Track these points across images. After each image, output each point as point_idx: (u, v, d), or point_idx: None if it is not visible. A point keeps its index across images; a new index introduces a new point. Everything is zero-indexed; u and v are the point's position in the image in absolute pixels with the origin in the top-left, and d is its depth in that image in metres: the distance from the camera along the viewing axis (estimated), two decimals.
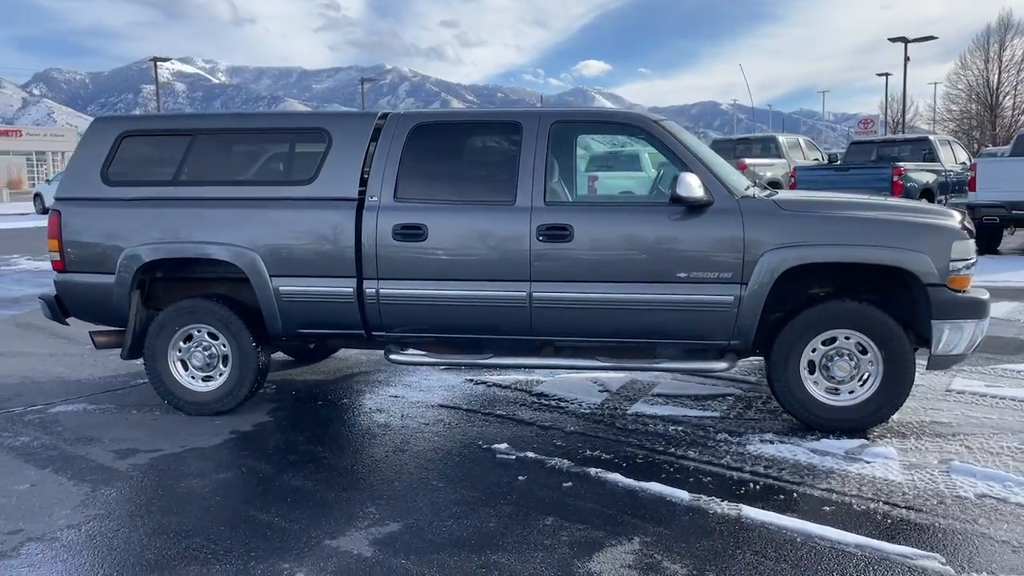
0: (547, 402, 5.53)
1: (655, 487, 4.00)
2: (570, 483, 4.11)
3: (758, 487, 4.01)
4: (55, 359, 7.02)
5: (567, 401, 5.53)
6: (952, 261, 4.59)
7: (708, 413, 5.18)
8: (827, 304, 4.75)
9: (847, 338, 4.73)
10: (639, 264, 4.82)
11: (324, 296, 5.12)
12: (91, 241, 5.39)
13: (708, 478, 4.14)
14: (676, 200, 4.65)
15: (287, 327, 5.24)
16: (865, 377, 4.72)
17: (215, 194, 5.26)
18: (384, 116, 5.30)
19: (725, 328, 4.79)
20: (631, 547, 3.41)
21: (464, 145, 5.26)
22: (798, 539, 3.45)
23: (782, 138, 17.58)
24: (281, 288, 5.15)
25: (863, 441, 4.58)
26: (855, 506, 3.76)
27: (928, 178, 14.34)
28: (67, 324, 5.87)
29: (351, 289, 5.08)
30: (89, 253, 5.38)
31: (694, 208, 4.75)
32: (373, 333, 5.21)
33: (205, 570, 3.28)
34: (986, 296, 4.75)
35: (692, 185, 4.62)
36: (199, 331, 5.36)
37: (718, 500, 3.84)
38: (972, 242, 4.73)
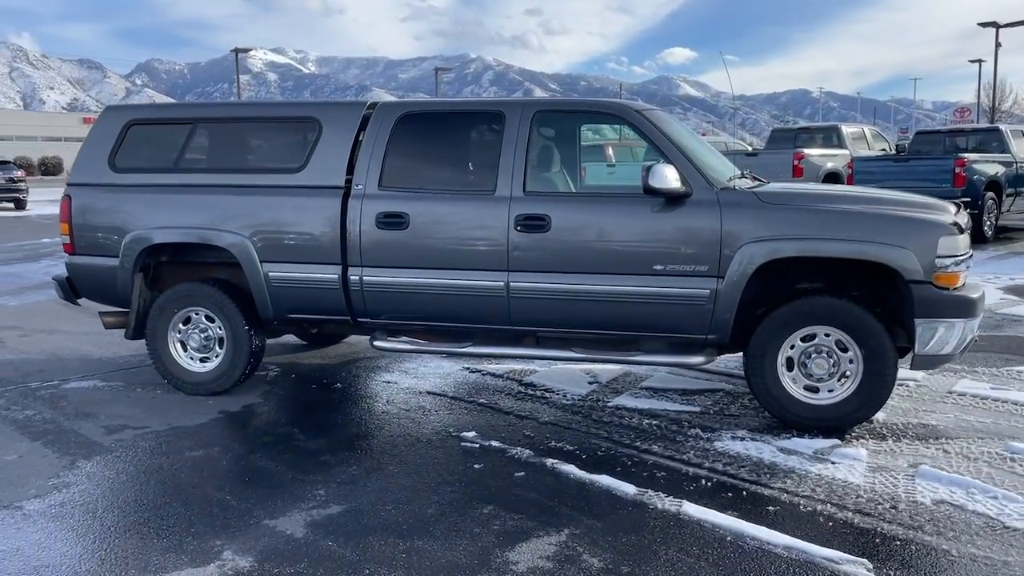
0: (532, 392, 5.53)
1: (605, 480, 3.98)
2: (522, 473, 4.12)
3: (710, 484, 3.94)
4: (86, 338, 7.35)
5: (552, 391, 5.52)
6: (939, 257, 4.41)
7: (690, 408, 5.11)
8: (805, 300, 4.63)
9: (827, 335, 4.59)
10: (615, 256, 4.78)
11: (311, 282, 5.24)
12: (98, 225, 5.63)
13: (663, 473, 4.09)
14: (649, 191, 4.59)
15: (277, 311, 5.38)
16: (845, 376, 4.58)
17: (210, 181, 5.44)
18: (373, 106, 5.37)
19: (702, 322, 4.71)
20: (557, 539, 3.40)
21: (448, 135, 5.28)
22: (728, 538, 3.39)
23: (845, 128, 16.99)
24: (271, 273, 5.29)
25: (836, 441, 4.45)
26: (802, 507, 3.67)
27: (995, 170, 13.70)
28: (78, 305, 6.15)
29: (336, 276, 5.18)
30: (96, 237, 5.63)
31: (672, 199, 4.68)
32: (359, 319, 5.31)
33: (143, 544, 3.42)
34: (977, 295, 4.55)
35: (665, 176, 4.55)
36: (197, 314, 5.55)
37: (663, 495, 3.79)
38: (963, 238, 4.52)
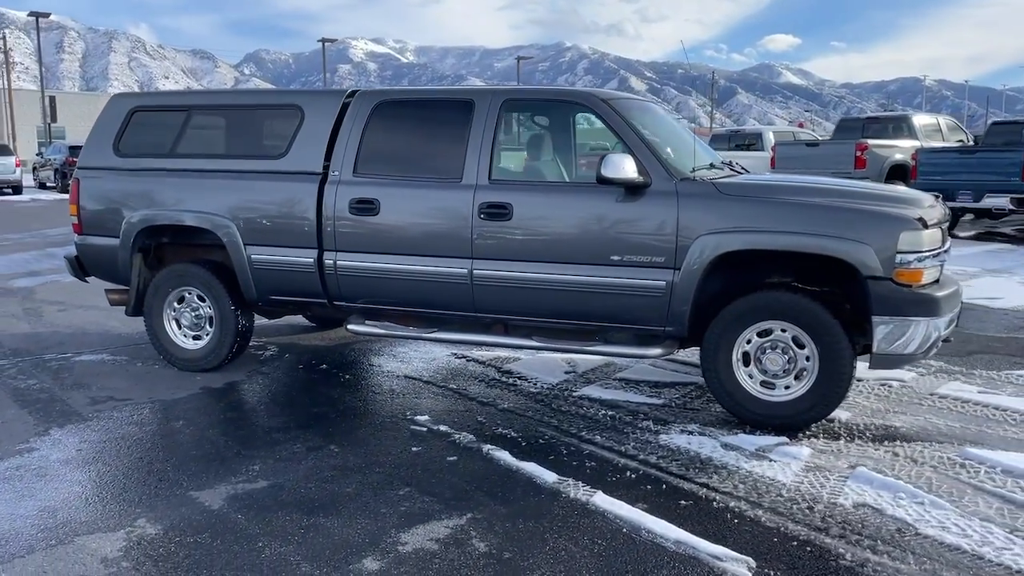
0: (506, 379, 5.57)
1: (531, 467, 4.00)
2: (455, 457, 4.17)
3: (634, 476, 3.92)
4: (115, 314, 7.71)
5: (525, 379, 5.55)
6: (900, 253, 4.24)
7: (653, 400, 5.06)
8: (759, 294, 4.53)
9: (783, 331, 4.48)
10: (574, 245, 4.76)
11: (290, 265, 5.40)
12: (102, 207, 5.93)
13: (593, 463, 4.08)
14: (601, 180, 4.56)
15: (260, 293, 5.57)
16: (802, 373, 4.46)
17: (201, 166, 5.66)
18: (353, 94, 5.49)
19: (659, 314, 4.66)
20: (455, 522, 3.45)
21: (421, 123, 5.34)
22: (624, 530, 3.37)
23: (917, 118, 16.26)
24: (253, 256, 5.48)
25: (783, 439, 4.34)
26: (715, 504, 3.61)
27: None
28: (87, 282, 6.49)
29: (312, 260, 5.33)
30: (100, 218, 5.93)
31: (632, 189, 4.64)
32: (335, 302, 5.45)
33: (72, 509, 3.62)
34: (943, 293, 4.36)
35: (620, 165, 4.51)
36: (189, 293, 5.80)
37: (581, 485, 3.79)
38: (928, 233, 4.33)
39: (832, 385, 4.38)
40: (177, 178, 5.71)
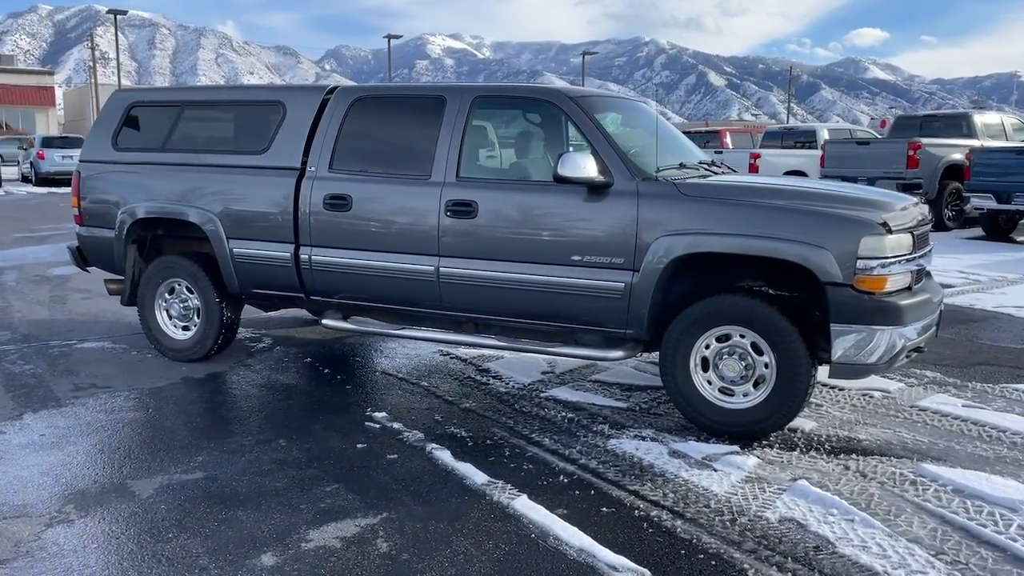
0: (480, 378, 5.55)
1: (466, 468, 3.97)
2: (396, 456, 4.17)
3: (567, 481, 3.85)
4: None
5: (499, 379, 5.51)
6: (861, 259, 4.07)
7: (619, 404, 4.97)
8: (715, 298, 4.40)
9: (742, 336, 4.35)
10: (537, 244, 4.71)
11: (269, 259, 5.48)
12: (100, 199, 6.12)
13: (530, 466, 4.03)
14: (558, 179, 4.49)
15: (242, 286, 5.67)
16: (761, 380, 4.32)
17: (189, 160, 5.78)
18: (332, 90, 5.53)
19: (619, 316, 4.57)
20: (367, 521, 3.45)
21: (396, 119, 5.34)
22: (533, 535, 3.32)
23: (978, 117, 15.54)
24: (235, 249, 5.57)
25: (735, 448, 4.21)
26: (636, 512, 3.52)
27: None
28: (88, 272, 6.70)
29: (289, 254, 5.39)
30: (99, 210, 6.12)
31: (594, 189, 4.56)
32: (311, 297, 5.51)
33: (7, 496, 3.74)
34: (908, 301, 4.16)
35: (579, 164, 4.43)
36: (179, 285, 5.94)
37: (508, 488, 3.74)
38: (894, 238, 4.13)
39: (789, 394, 4.22)
40: (167, 172, 5.84)
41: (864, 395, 5.07)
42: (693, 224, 4.36)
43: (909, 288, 4.33)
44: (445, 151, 4.96)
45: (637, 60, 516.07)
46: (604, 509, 3.56)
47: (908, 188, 14.08)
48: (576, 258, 4.61)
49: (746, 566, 3.08)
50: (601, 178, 4.50)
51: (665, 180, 4.56)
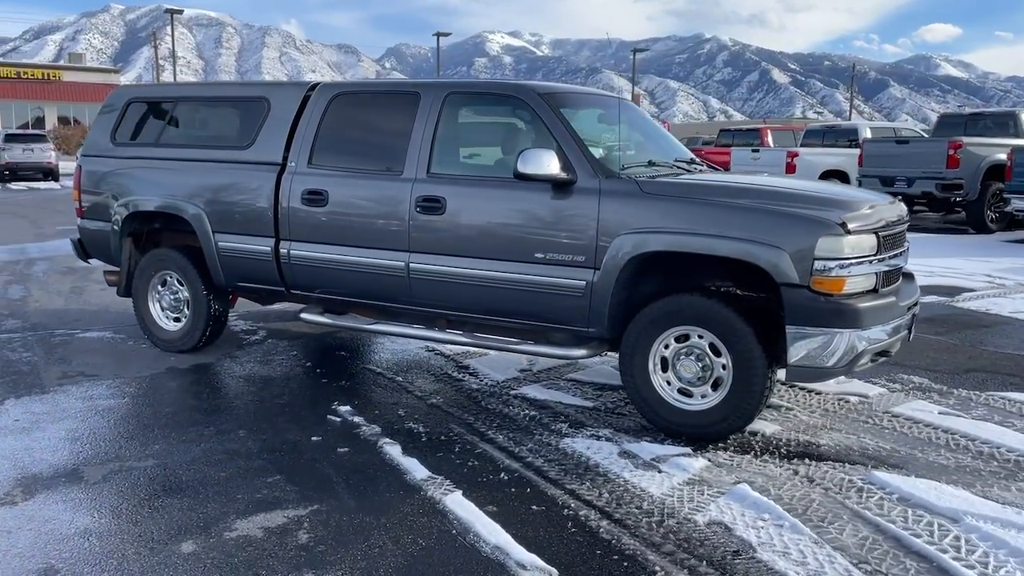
0: (457, 374, 5.56)
1: (411, 463, 3.99)
2: (347, 449, 4.21)
3: (507, 478, 3.84)
4: None
5: (476, 375, 5.52)
6: (818, 259, 3.96)
7: (586, 403, 4.93)
8: (672, 297, 4.33)
9: (700, 337, 4.28)
10: (502, 241, 4.69)
11: (251, 253, 5.56)
12: (99, 193, 6.29)
13: (476, 462, 4.03)
14: (518, 176, 4.47)
15: (228, 279, 5.77)
16: (718, 382, 4.25)
17: (179, 155, 5.91)
18: (315, 86, 5.59)
19: (581, 314, 4.54)
20: (297, 513, 3.49)
21: (372, 115, 5.37)
22: (454, 531, 3.32)
23: None
24: (220, 243, 5.68)
25: (687, 450, 4.15)
26: (565, 511, 3.50)
27: None
28: (89, 264, 6.89)
29: (269, 248, 5.47)
30: (98, 203, 6.29)
31: (558, 187, 4.53)
32: (292, 291, 5.58)
33: None
34: (868, 304, 4.04)
35: (540, 161, 4.40)
36: (170, 277, 6.07)
37: (447, 484, 3.75)
38: (853, 239, 4.02)
39: (745, 396, 4.15)
40: (159, 167, 5.97)
41: (840, 399, 4.94)
42: (652, 222, 4.30)
43: (875, 290, 4.20)
44: (417, 147, 4.99)
45: (698, 57, 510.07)
46: (534, 507, 3.54)
47: (948, 188, 13.69)
48: (539, 255, 4.58)
49: (657, 568, 3.03)
50: (563, 175, 4.46)
51: (628, 178, 4.51)
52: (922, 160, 13.94)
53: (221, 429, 4.51)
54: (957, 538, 3.24)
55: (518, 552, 3.13)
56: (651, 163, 4.93)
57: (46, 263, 10.50)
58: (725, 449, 4.19)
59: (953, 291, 8.46)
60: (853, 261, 4.03)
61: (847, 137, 17.31)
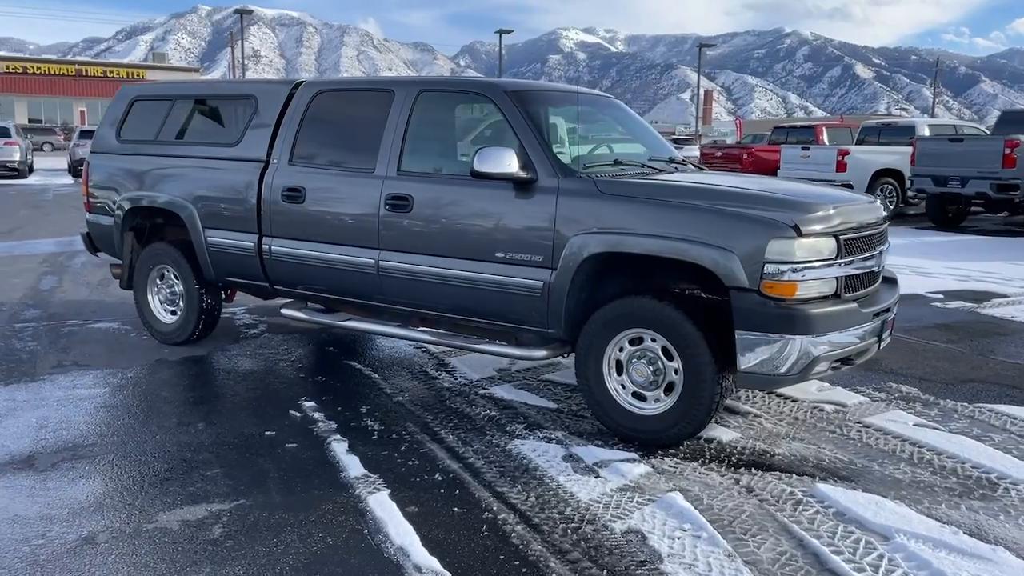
0: (434, 372, 5.55)
1: (351, 461, 4.00)
2: (295, 445, 4.24)
3: (441, 479, 3.81)
4: None
5: (452, 373, 5.50)
6: (769, 263, 3.82)
7: (552, 404, 4.86)
8: (623, 300, 4.23)
9: (653, 340, 4.17)
10: (465, 240, 4.67)
11: (237, 248, 5.66)
12: (104, 188, 6.48)
13: (417, 462, 4.01)
14: (475, 175, 4.43)
15: (217, 274, 5.88)
16: (671, 386, 4.14)
17: (174, 152, 6.04)
18: (299, 84, 5.64)
19: (539, 315, 4.48)
20: (222, 507, 3.52)
21: (350, 112, 5.39)
22: (365, 531, 3.31)
23: None
24: (209, 239, 5.79)
25: (634, 455, 4.06)
26: (485, 514, 3.45)
27: None
28: (98, 256, 7.11)
29: (252, 244, 5.56)
30: (103, 198, 6.49)
31: (520, 186, 4.48)
32: (275, 286, 5.66)
33: None
34: (822, 310, 3.88)
35: (496, 160, 4.35)
36: (167, 271, 6.22)
37: (378, 483, 3.74)
38: (806, 242, 3.86)
39: (695, 402, 4.03)
40: (156, 163, 6.12)
41: (816, 408, 4.77)
42: (605, 223, 4.22)
43: (836, 295, 4.03)
44: (388, 145, 4.99)
45: (777, 52, 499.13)
46: (456, 510, 3.50)
47: (1003, 189, 13.10)
48: (500, 255, 4.54)
49: (558, 572, 2.96)
50: (522, 174, 4.41)
51: (587, 177, 4.42)
52: (977, 159, 13.36)
53: (183, 421, 4.59)
54: (880, 557, 3.08)
55: (419, 555, 3.10)
56: (617, 162, 4.83)
57: (87, 256, 10.83)
58: (674, 455, 4.08)
59: (983, 296, 8.08)
60: (807, 265, 3.87)
61: (905, 135, 16.65)
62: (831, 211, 4.07)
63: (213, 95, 6.22)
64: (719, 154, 22.94)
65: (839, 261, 4.01)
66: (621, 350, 4.28)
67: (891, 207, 16.24)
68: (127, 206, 6.21)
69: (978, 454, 4.03)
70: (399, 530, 3.29)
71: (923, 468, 3.92)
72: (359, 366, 5.71)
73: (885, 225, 4.61)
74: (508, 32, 52.62)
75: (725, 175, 5.39)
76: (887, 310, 4.40)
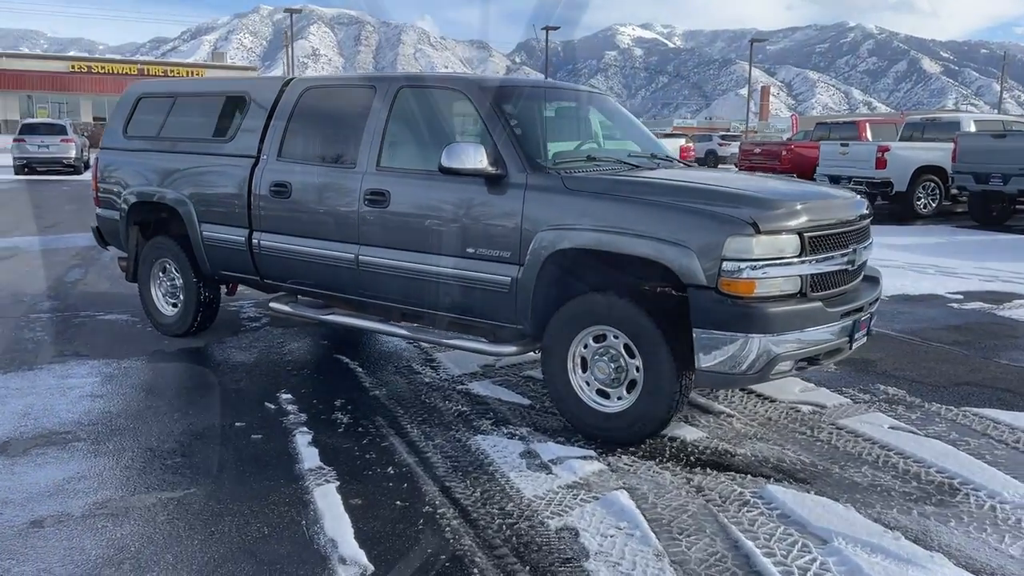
0: (418, 367, 5.58)
1: (310, 453, 4.04)
2: (261, 436, 4.30)
3: (393, 472, 3.83)
4: None
5: (436, 368, 5.52)
6: (726, 260, 3.76)
7: (525, 401, 4.85)
8: (585, 296, 4.20)
9: (616, 337, 4.13)
10: (438, 235, 4.68)
11: (230, 243, 5.76)
12: (111, 183, 6.65)
13: (374, 455, 4.04)
14: (443, 171, 4.43)
15: (212, 268, 6.00)
16: (632, 384, 4.10)
17: (174, 148, 6.18)
18: (289, 81, 5.72)
19: (508, 311, 4.48)
20: (172, 496, 3.59)
21: (336, 109, 5.43)
22: (304, 522, 3.35)
23: None
24: (204, 233, 5.91)
25: (591, 452, 4.03)
26: (425, 508, 3.46)
27: None
28: (107, 249, 7.29)
29: (243, 239, 5.65)
30: (110, 193, 6.67)
31: (491, 181, 4.48)
32: (265, 280, 5.74)
33: None
34: (782, 309, 3.80)
35: (463, 155, 4.35)
36: (169, 264, 6.36)
37: (330, 475, 3.78)
38: (765, 239, 3.78)
39: (653, 400, 3.98)
40: (156, 158, 6.27)
41: (792, 408, 4.67)
42: (568, 219, 4.19)
43: (802, 294, 3.94)
44: (369, 140, 5.03)
45: (841, 46, 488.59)
46: (399, 503, 3.52)
47: None
48: (471, 250, 4.54)
49: (476, 572, 2.96)
50: (491, 169, 4.40)
51: (555, 173, 4.40)
52: (1020, 156, 12.91)
53: (159, 411, 4.69)
54: (812, 560, 3.01)
55: (348, 547, 3.12)
56: (591, 158, 4.79)
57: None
58: (633, 453, 4.04)
59: (1004, 298, 7.82)
60: (767, 262, 3.79)
61: (949, 131, 16.16)
62: (796, 207, 3.98)
63: (211, 93, 6.33)
64: (758, 151, 22.52)
65: (804, 259, 3.92)
66: (586, 347, 4.25)
67: (934, 205, 15.80)
68: (131, 200, 6.36)
69: (946, 459, 3.91)
70: (336, 522, 3.32)
71: (885, 472, 3.81)
72: (346, 360, 5.76)
73: (866, 222, 4.49)
74: (555, 29, 52.56)
75: (704, 172, 5.31)
76: (860, 309, 4.28)
